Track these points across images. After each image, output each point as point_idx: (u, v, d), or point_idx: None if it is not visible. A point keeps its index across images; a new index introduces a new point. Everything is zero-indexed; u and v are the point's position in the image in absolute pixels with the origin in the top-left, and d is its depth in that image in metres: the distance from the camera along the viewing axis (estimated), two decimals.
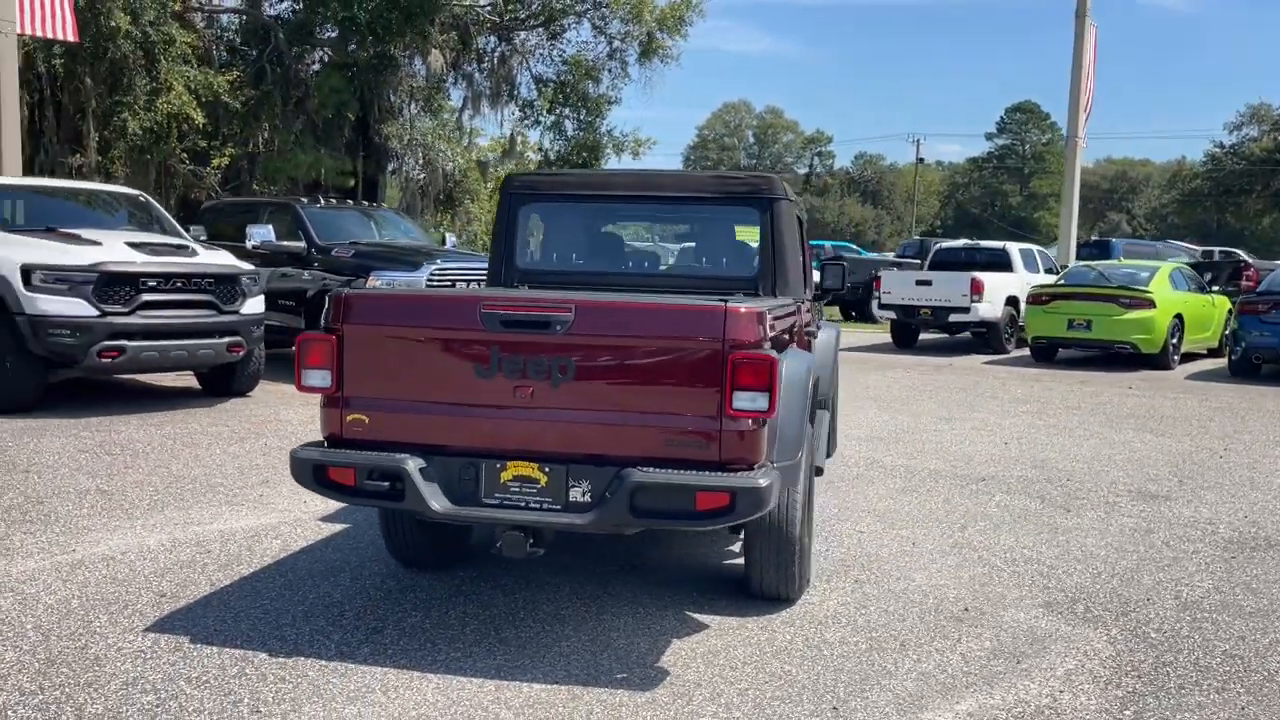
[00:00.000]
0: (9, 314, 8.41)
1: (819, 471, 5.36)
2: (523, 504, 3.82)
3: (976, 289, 16.16)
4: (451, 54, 22.98)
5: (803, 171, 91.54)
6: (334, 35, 22.92)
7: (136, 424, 8.19)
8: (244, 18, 23.31)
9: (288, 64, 22.38)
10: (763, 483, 3.65)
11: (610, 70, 24.22)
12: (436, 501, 3.77)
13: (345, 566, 4.98)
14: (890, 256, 30.29)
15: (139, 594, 4.51)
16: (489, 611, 4.42)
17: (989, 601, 4.80)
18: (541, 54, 24.08)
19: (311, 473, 3.89)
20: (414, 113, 24.76)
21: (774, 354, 3.69)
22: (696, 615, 4.47)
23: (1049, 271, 18.30)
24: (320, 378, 3.91)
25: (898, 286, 17.21)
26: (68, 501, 6.02)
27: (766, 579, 4.52)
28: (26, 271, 8.41)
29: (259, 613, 4.32)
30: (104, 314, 8.48)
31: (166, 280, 8.78)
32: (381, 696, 3.57)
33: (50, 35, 14.28)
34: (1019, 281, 17.05)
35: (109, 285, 8.54)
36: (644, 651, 4.05)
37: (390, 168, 24.82)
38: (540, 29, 23.55)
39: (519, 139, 25.05)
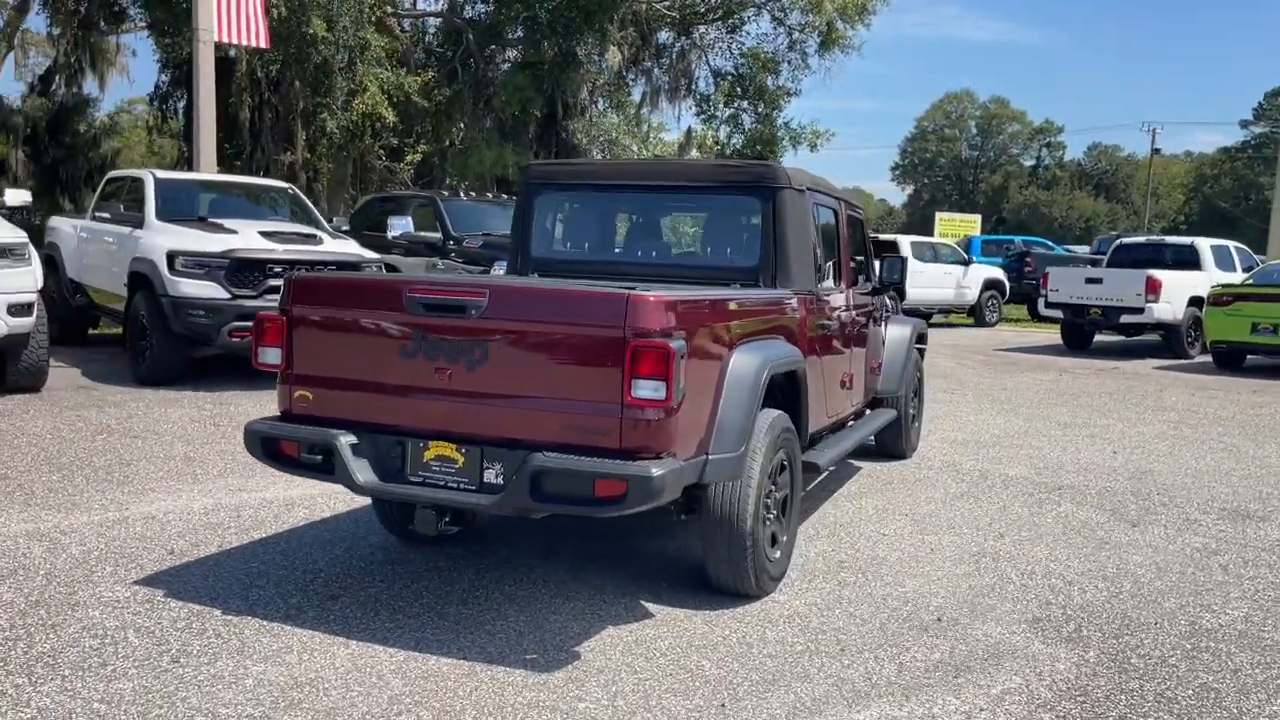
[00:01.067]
0: (156, 296, 9.28)
1: (814, 468, 5.21)
2: (443, 483, 3.94)
3: (1153, 288, 15.16)
4: (630, 50, 23.37)
5: (1029, 164, 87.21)
6: (520, 35, 23.75)
7: (254, 399, 8.87)
8: (442, 21, 24.52)
9: (477, 64, 23.40)
10: (655, 472, 3.62)
11: (789, 62, 23.97)
12: (363, 476, 3.96)
13: (349, 537, 5.25)
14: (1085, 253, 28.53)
15: (152, 551, 4.93)
16: (449, 588, 4.57)
17: (972, 613, 4.55)
18: (720, 47, 24.13)
19: (260, 445, 4.16)
20: (599, 109, 25.38)
21: (675, 343, 3.64)
22: (650, 605, 4.46)
23: (1248, 270, 16.76)
24: (273, 355, 4.17)
25: (1065, 284, 16.32)
26: (153, 465, 6.61)
27: (721, 573, 4.46)
28: (171, 257, 9.26)
29: (241, 574, 4.64)
30: (235, 296, 9.23)
31: (292, 266, 9.43)
32: (294, 658, 3.77)
33: (244, 42, 15.54)
34: (1208, 281, 15.70)
35: (240, 270, 9.28)
36: (571, 636, 4.09)
37: None
38: (718, 22, 23.58)
39: (695, 133, 25.15)
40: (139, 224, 10.05)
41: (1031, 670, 3.95)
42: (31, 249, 8.61)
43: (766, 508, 4.55)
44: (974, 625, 4.40)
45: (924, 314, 19.11)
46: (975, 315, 22.15)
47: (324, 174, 22.74)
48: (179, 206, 10.52)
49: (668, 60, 24.06)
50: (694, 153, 25.27)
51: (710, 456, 4.07)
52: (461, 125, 23.46)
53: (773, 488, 4.60)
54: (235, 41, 15.44)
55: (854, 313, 6.07)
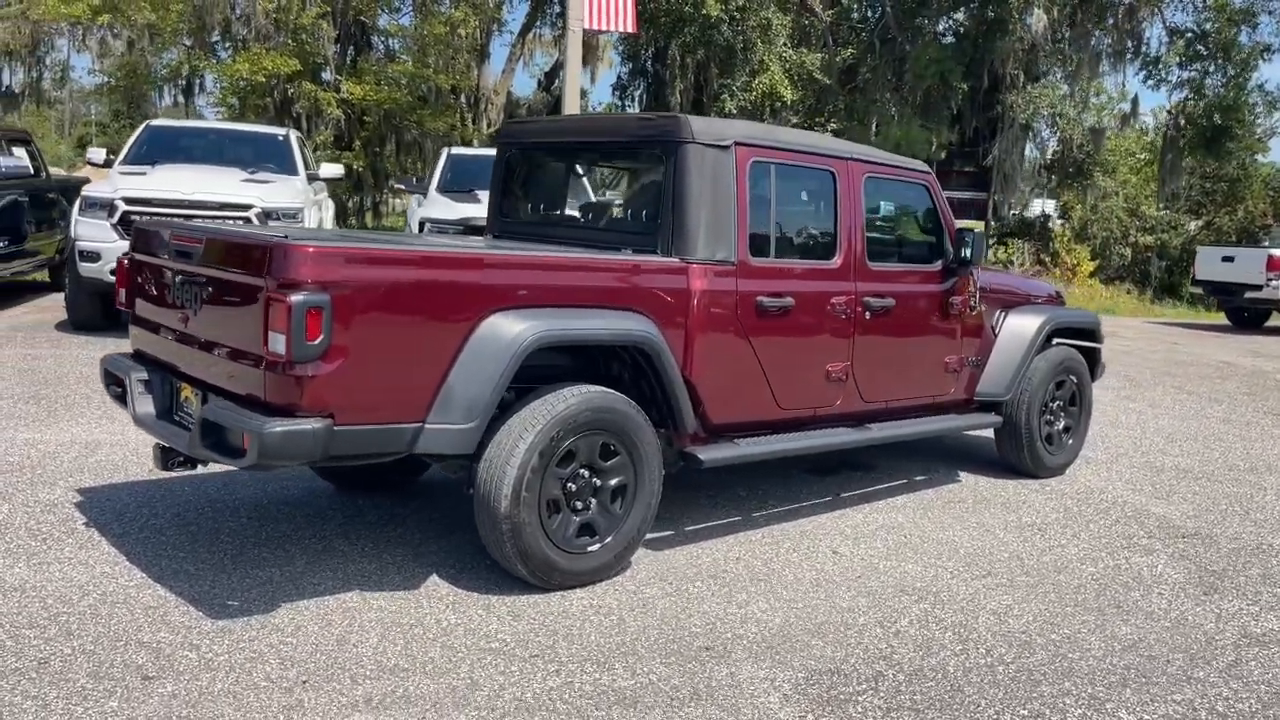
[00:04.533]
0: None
1: (694, 458, 4.58)
2: (185, 424, 4.11)
3: (1274, 266, 15.69)
4: (1065, 11, 21.05)
5: None
6: (943, 5, 22.44)
7: None
8: None
9: (894, 37, 22.53)
10: (273, 429, 3.49)
11: (1272, 12, 20.11)
12: (141, 409, 4.25)
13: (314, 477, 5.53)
14: None
15: (139, 466, 5.61)
16: (322, 544, 4.59)
17: (748, 652, 3.78)
18: (1179, 1, 20.86)
19: (102, 376, 4.61)
20: (1039, 79, 23.19)
21: (301, 296, 3.46)
22: (453, 586, 4.22)
23: None
24: (123, 296, 4.60)
25: (1206, 263, 17.16)
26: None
27: (494, 556, 4.14)
28: (421, 224, 10.24)
29: (181, 494, 5.14)
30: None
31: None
32: (106, 569, 4.18)
33: (612, 28, 16.45)
34: None
35: (472, 234, 9.99)
36: (325, 605, 4.01)
37: (1003, 139, 23.52)
38: None
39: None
40: None
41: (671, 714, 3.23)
42: (306, 213, 9.96)
43: (568, 493, 4.14)
44: (727, 666, 3.66)
45: None
46: None
47: None
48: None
49: (1112, 20, 21.31)
50: (1138, 125, 22.23)
51: (427, 426, 3.81)
52: (869, 102, 22.76)
53: (578, 472, 4.16)
54: (603, 28, 16.39)
55: (861, 294, 5.17)
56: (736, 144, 4.70)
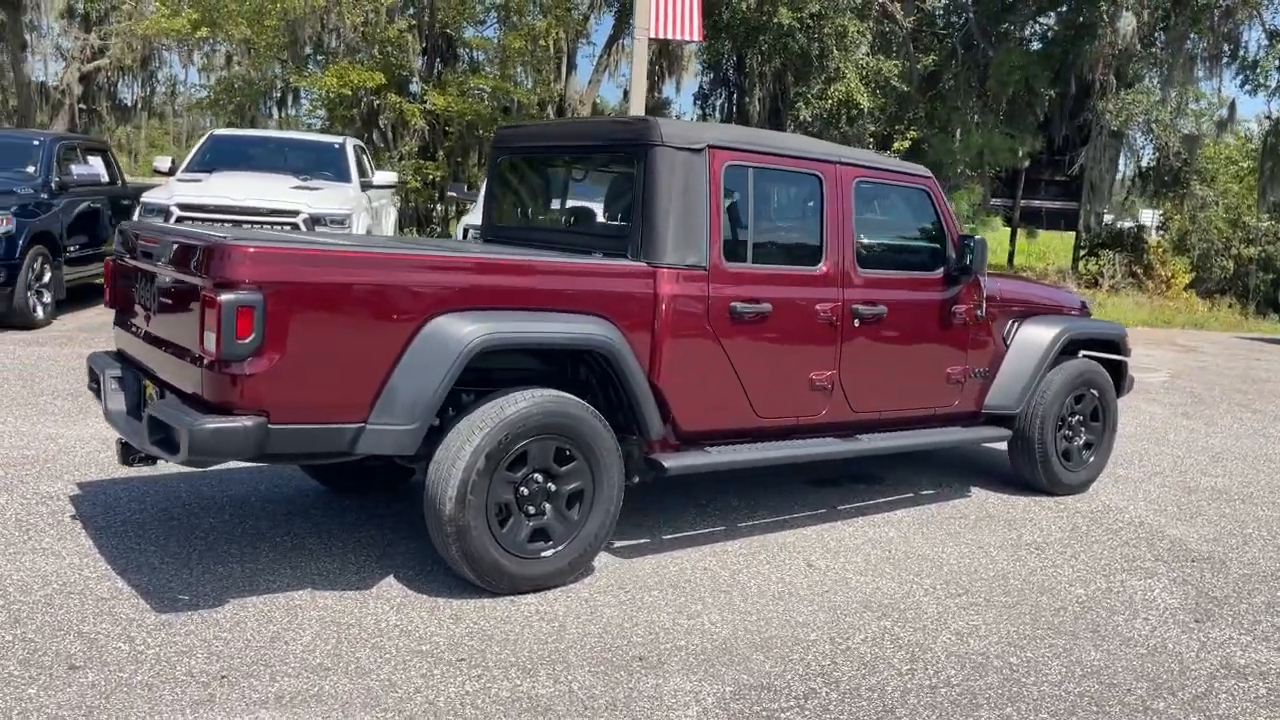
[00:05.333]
0: None
1: (658, 465, 4.51)
2: None
3: None
4: (1157, 14, 20.28)
5: None
6: (1030, 10, 21.85)
7: None
8: (944, 1, 23.46)
9: (978, 44, 22.03)
10: (204, 426, 3.54)
11: None
12: (111, 404, 4.37)
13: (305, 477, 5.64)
14: None
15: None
16: (293, 541, 4.68)
17: (683, 664, 3.70)
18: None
19: (87, 372, 4.75)
20: (1128, 85, 22.39)
21: (230, 296, 3.51)
22: (406, 588, 4.23)
23: None
24: (109, 294, 4.74)
25: None
26: None
27: (445, 558, 4.13)
28: (465, 230, 10.37)
29: (175, 491, 5.28)
30: None
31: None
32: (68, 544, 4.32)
33: (678, 36, 16.46)
34: None
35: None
36: (272, 601, 4.06)
37: (1092, 147, 22.76)
38: None
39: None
40: None
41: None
42: (354, 219, 10.19)
43: (520, 497, 4.12)
44: (653, 679, 3.59)
45: None
46: None
47: None
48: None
49: (1208, 22, 20.43)
50: (1241, 131, 21.26)
51: (368, 426, 3.83)
52: (957, 108, 22.27)
53: (531, 476, 4.13)
54: (669, 36, 16.40)
55: (849, 301, 5.03)
56: (711, 147, 4.62)
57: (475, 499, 3.98)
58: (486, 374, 4.39)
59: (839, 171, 5.06)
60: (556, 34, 25.23)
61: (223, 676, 3.39)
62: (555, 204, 5.44)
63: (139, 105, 36.53)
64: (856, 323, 5.08)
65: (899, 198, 5.49)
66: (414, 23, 24.16)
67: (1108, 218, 25.86)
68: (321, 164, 11.23)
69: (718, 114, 30.39)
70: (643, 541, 4.92)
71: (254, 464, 5.32)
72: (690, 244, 4.55)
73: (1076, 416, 6.11)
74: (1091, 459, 6.22)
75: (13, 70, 30.08)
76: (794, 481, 6.02)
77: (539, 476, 4.19)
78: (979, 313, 5.62)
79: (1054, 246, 29.47)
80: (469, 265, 4.13)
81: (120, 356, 4.58)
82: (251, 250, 3.62)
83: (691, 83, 33.23)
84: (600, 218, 5.15)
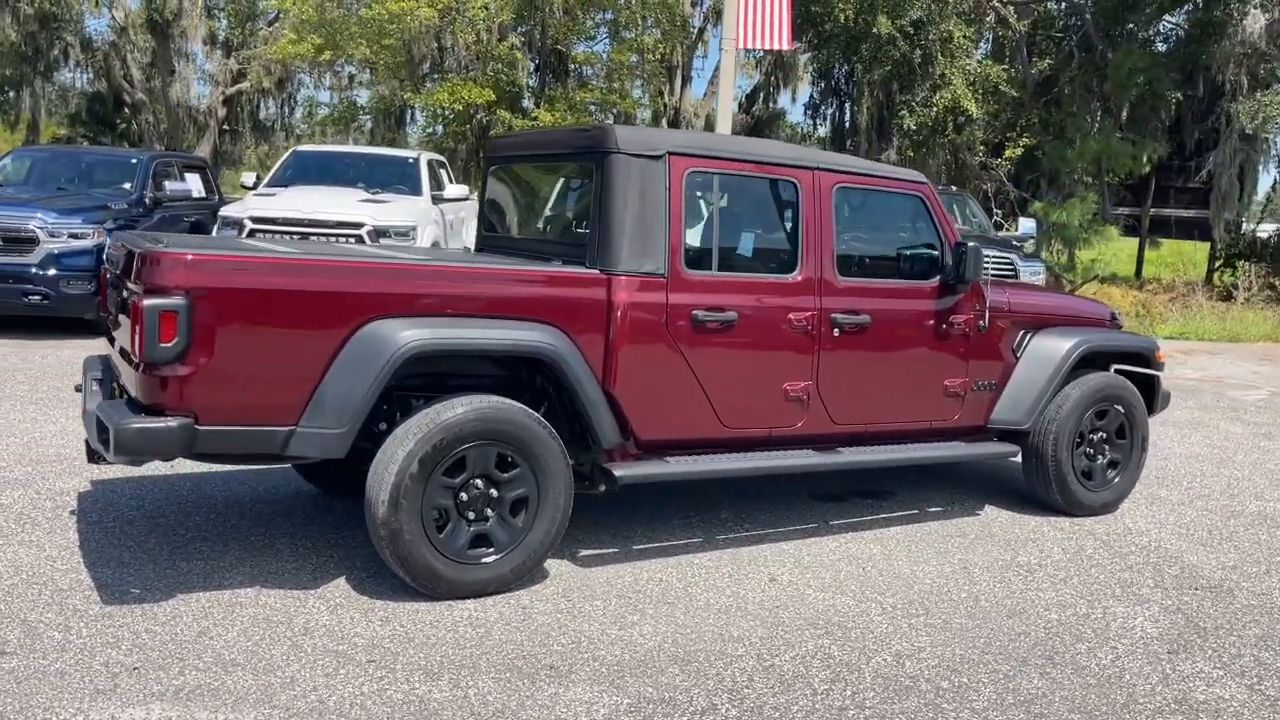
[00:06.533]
0: None
1: (609, 475, 4.46)
2: None
3: None
4: None
5: None
6: (1152, 9, 20.83)
7: None
8: (1065, 3, 22.60)
9: (1096, 46, 21.13)
10: (128, 425, 3.69)
11: None
12: (89, 404, 4.58)
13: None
14: None
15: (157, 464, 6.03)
16: (264, 541, 4.85)
17: (593, 674, 3.65)
18: None
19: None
20: (1265, 85, 21.11)
21: (153, 301, 3.64)
22: (351, 590, 4.32)
23: None
24: (101, 301, 4.98)
25: None
26: None
27: (385, 561, 4.19)
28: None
29: (178, 490, 5.52)
30: None
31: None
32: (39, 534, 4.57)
33: (766, 46, 16.28)
34: None
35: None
36: (216, 598, 4.21)
37: (1220, 151, 21.52)
38: None
39: None
40: None
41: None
42: (421, 231, 10.44)
43: (460, 503, 4.15)
44: (560, 687, 3.55)
45: None
46: None
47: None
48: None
49: None
50: None
51: (299, 429, 3.92)
52: (1073, 113, 21.41)
53: (472, 482, 4.16)
54: (757, 46, 16.25)
55: (827, 310, 4.90)
56: (671, 154, 4.57)
57: (409, 503, 4.02)
58: (442, 380, 4.46)
59: (817, 178, 4.93)
60: (664, 48, 25.41)
61: (135, 668, 3.51)
62: (537, 212, 5.47)
63: (276, 124, 38.28)
64: (836, 332, 4.94)
65: (889, 204, 5.32)
66: (523, 40, 24.70)
67: (1247, 226, 24.41)
68: (395, 178, 11.56)
69: (828, 124, 30.02)
70: (611, 551, 4.88)
71: (260, 466, 5.56)
72: (647, 251, 4.51)
73: (1099, 434, 5.78)
74: (1117, 479, 5.87)
75: (163, 95, 31.94)
76: (796, 495, 5.88)
77: (480, 483, 4.21)
78: (981, 323, 5.39)
79: (1189, 256, 27.98)
80: (403, 272, 4.19)
81: (104, 360, 4.81)
82: (179, 257, 3.76)
83: (806, 93, 32.96)
84: (567, 225, 5.15)
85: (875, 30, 18.96)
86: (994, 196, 22.23)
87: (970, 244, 5.18)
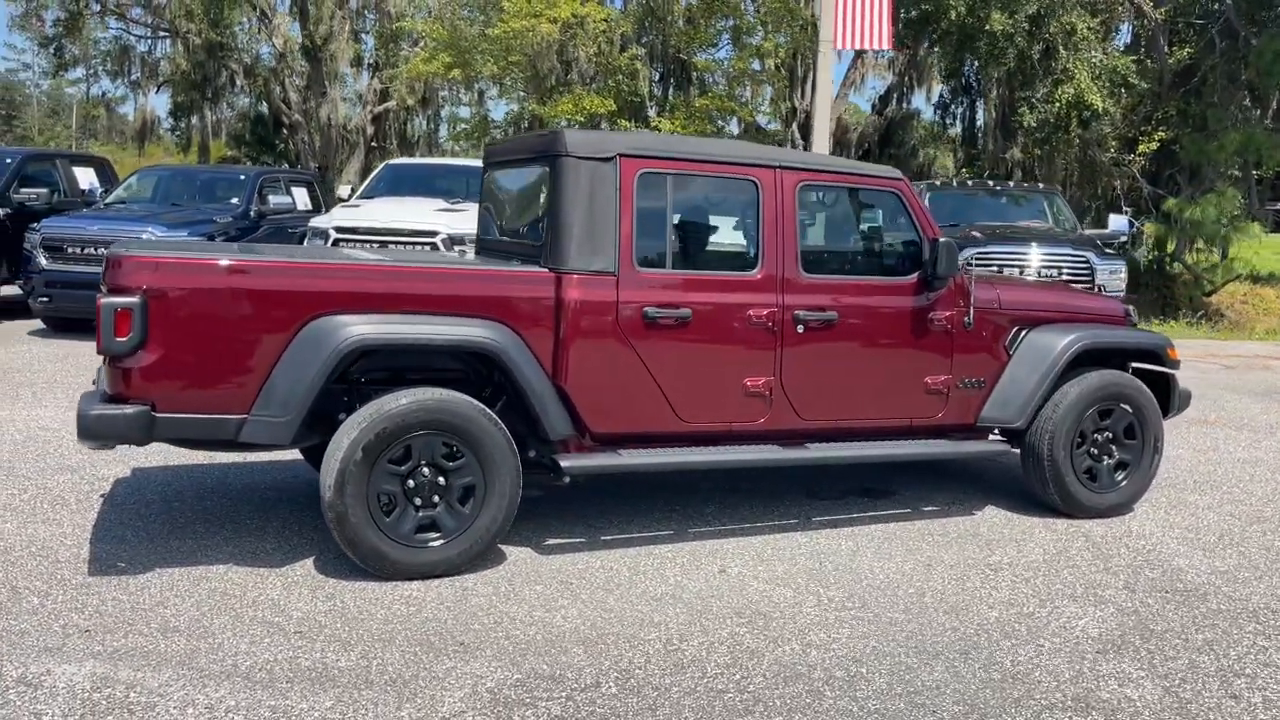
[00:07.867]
0: None
1: (557, 468, 4.62)
2: None
3: None
4: None
5: None
6: None
7: None
8: None
9: (1239, 33, 19.96)
10: (91, 412, 4.08)
11: None
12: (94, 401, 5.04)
13: None
14: None
15: (193, 453, 6.51)
16: (258, 523, 5.25)
17: (496, 652, 3.83)
18: None
19: None
20: None
21: (112, 300, 4.02)
22: (314, 570, 4.61)
23: None
24: None
25: None
26: None
27: (336, 541, 4.47)
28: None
29: (205, 478, 5.98)
30: None
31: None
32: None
33: (865, 45, 16.12)
34: None
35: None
36: (189, 574, 4.59)
37: None
38: None
39: None
40: None
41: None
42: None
43: (407, 489, 4.40)
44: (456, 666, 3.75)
45: None
46: None
47: (1038, 171, 21.81)
48: None
49: None
50: None
51: (250, 418, 4.25)
52: (1213, 104, 20.28)
53: (419, 470, 4.40)
54: (855, 46, 16.10)
55: (789, 306, 4.94)
56: (621, 156, 4.72)
57: (354, 488, 4.29)
58: (401, 374, 4.72)
59: (779, 176, 4.97)
60: (784, 52, 25.36)
61: (86, 630, 3.88)
62: (512, 215, 5.68)
63: (421, 140, 39.86)
64: (801, 329, 4.97)
65: (861, 201, 5.31)
66: (643, 50, 25.08)
67: None
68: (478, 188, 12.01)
69: (958, 123, 29.26)
70: (577, 540, 5.04)
71: (280, 458, 5.96)
72: (597, 250, 4.67)
73: (1104, 434, 5.58)
74: (1125, 481, 5.65)
75: (316, 115, 33.77)
76: (789, 493, 5.91)
77: (427, 471, 4.44)
78: (966, 320, 5.31)
79: None
80: (349, 271, 4.47)
81: None
82: (137, 260, 4.14)
83: (939, 91, 32.21)
84: (535, 226, 5.35)
85: (990, 28, 18.42)
86: (1125, 194, 21.26)
87: (943, 240, 5.11)
